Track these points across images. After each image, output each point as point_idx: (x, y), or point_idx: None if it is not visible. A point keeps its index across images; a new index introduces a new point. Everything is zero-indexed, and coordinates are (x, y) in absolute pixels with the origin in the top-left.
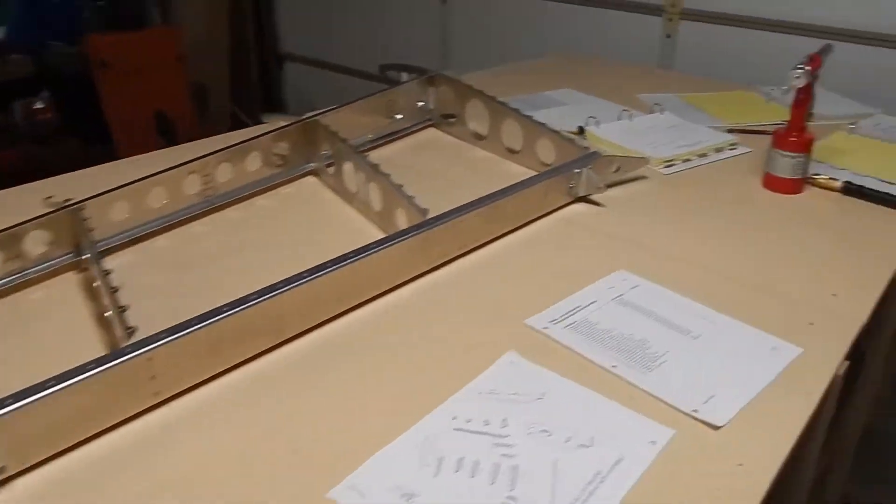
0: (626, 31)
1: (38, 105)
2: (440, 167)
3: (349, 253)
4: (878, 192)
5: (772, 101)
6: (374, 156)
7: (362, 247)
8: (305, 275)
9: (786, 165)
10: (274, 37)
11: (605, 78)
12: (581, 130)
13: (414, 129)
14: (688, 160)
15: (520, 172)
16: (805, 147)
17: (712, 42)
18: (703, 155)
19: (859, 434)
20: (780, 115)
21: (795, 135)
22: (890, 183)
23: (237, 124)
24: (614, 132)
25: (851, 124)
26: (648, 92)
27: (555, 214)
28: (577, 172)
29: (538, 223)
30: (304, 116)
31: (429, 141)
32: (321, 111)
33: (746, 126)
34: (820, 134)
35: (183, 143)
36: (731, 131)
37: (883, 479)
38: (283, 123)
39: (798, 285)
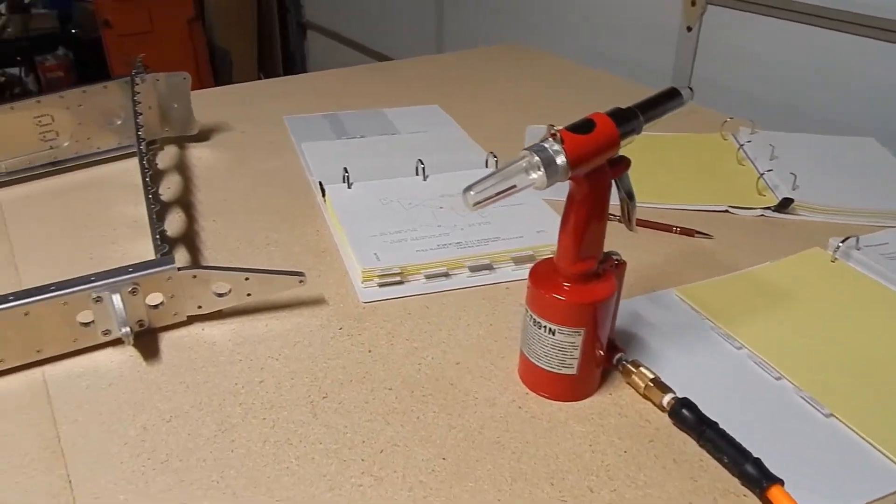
0: (639, 20)
1: (51, 63)
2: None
3: None
4: (728, 438)
5: (745, 160)
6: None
7: None
8: None
9: (546, 346)
10: (297, 4)
11: (529, 89)
12: (322, 189)
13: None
14: (439, 274)
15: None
16: (588, 316)
17: (748, 43)
18: (526, 260)
19: None
20: (740, 192)
21: (568, 285)
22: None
23: None
24: (370, 202)
25: (840, 241)
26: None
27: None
28: (94, 298)
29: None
30: None
31: (110, 175)
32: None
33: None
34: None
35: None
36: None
37: None
38: None
39: None
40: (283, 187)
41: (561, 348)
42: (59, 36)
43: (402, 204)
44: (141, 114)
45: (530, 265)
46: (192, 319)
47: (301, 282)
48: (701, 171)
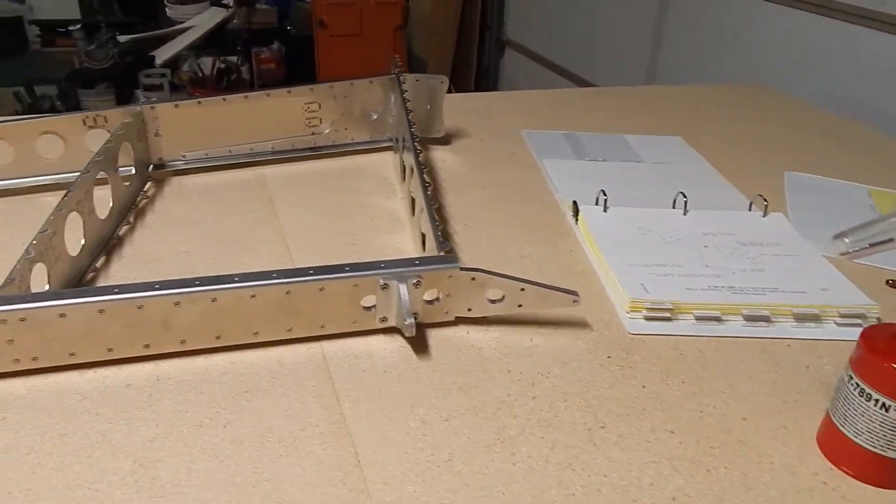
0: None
1: (265, 55)
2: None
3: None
4: None
5: None
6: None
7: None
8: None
9: (873, 421)
10: (500, 21)
11: (777, 132)
12: (576, 209)
13: (370, 145)
14: (711, 318)
15: (397, 249)
16: None
17: None
18: (810, 318)
19: None
20: None
21: None
22: None
23: None
24: (628, 229)
25: None
26: (824, 167)
27: (349, 344)
28: (381, 285)
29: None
30: None
31: (362, 167)
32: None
33: None
34: None
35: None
36: (892, 283)
37: None
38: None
39: None
40: (529, 201)
41: (893, 427)
42: (276, 31)
43: (661, 236)
44: (411, 111)
45: (813, 324)
46: (458, 321)
47: (575, 301)
48: None
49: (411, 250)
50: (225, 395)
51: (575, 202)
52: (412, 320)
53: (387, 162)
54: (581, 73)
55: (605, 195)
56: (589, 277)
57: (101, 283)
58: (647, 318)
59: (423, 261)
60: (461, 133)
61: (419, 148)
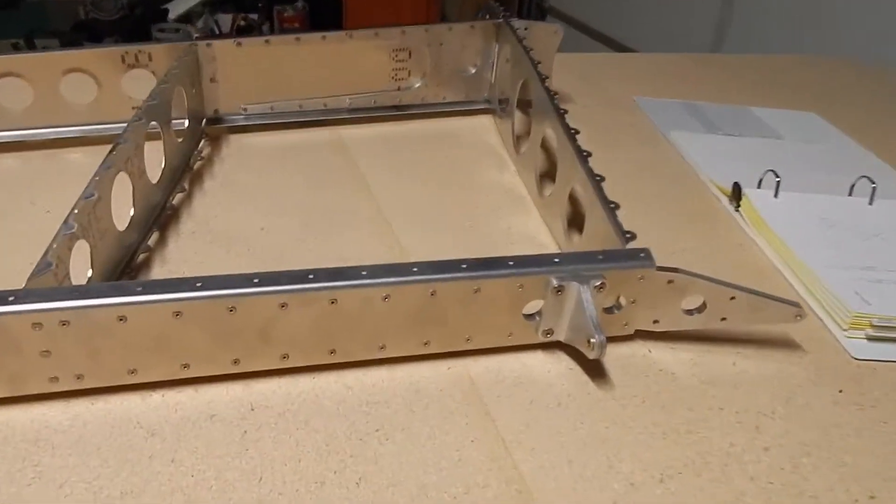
0: None
1: (289, 13)
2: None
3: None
4: None
5: None
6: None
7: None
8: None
9: None
10: None
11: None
12: (737, 192)
13: (462, 107)
14: None
15: (529, 233)
16: None
17: None
18: None
19: None
20: None
21: None
22: None
23: None
24: (809, 220)
25: None
26: None
27: (493, 364)
28: (554, 287)
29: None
30: None
31: (458, 131)
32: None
33: None
34: None
35: None
36: None
37: None
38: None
39: None
40: (669, 182)
41: None
42: None
43: (851, 230)
44: (539, 62)
45: None
46: (636, 335)
47: (798, 317)
48: None
49: (545, 237)
50: (348, 434)
51: (737, 184)
52: (602, 338)
53: (487, 127)
54: (635, 48)
55: (777, 176)
56: (773, 279)
57: (157, 267)
58: (870, 339)
59: (606, 256)
60: (565, 98)
61: (563, 109)
